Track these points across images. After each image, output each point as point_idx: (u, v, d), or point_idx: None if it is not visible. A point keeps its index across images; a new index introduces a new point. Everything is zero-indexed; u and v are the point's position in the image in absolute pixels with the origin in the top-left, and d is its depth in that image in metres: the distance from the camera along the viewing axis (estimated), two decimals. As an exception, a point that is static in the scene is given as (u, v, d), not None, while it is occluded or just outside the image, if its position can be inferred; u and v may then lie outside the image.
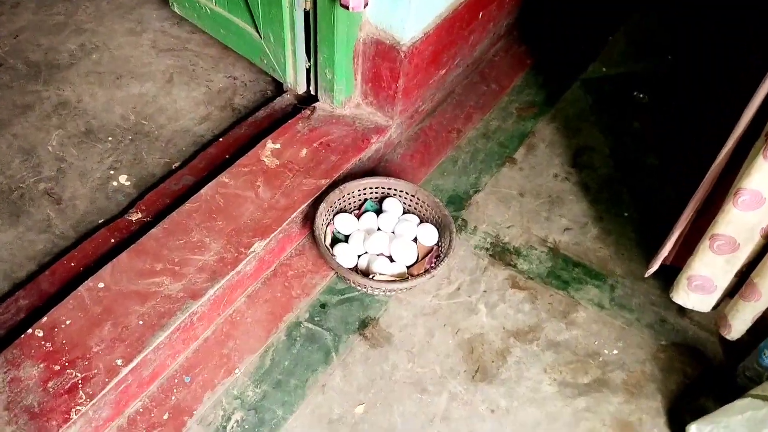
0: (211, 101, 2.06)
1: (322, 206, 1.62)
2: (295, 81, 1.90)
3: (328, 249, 1.59)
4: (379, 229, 1.70)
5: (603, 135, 2.10)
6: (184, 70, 2.14)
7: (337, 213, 1.70)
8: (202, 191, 1.65)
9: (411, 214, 1.74)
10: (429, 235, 1.67)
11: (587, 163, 2.01)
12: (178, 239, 1.55)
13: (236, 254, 1.53)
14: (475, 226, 1.81)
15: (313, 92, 1.93)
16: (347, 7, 1.53)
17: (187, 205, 1.62)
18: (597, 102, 2.21)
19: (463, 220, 1.82)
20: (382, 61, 1.75)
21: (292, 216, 1.62)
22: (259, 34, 1.86)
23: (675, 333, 1.63)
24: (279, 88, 2.09)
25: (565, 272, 1.73)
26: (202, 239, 1.55)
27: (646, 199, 1.91)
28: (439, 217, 1.68)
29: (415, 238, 1.68)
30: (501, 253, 1.75)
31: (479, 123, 2.10)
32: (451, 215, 1.66)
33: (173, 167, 1.86)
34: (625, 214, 1.88)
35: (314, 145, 1.79)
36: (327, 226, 1.66)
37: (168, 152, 1.91)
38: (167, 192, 1.74)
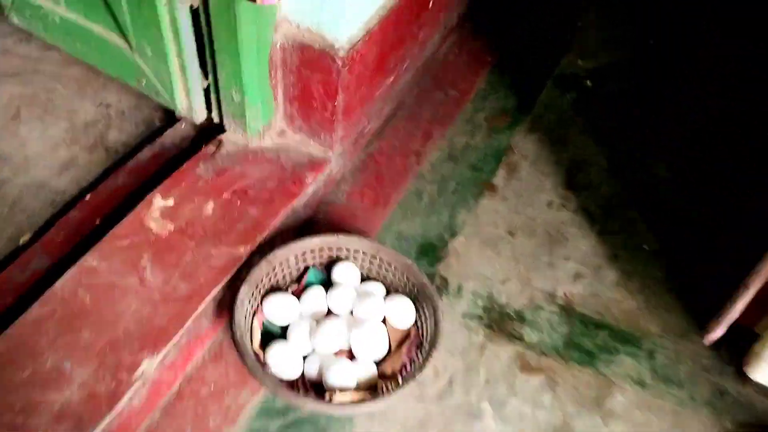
0: (74, 140, 1.49)
1: (244, 289, 1.09)
2: (190, 107, 1.36)
3: (257, 358, 1.06)
4: (330, 312, 1.19)
5: (595, 143, 1.67)
6: (35, 101, 1.56)
7: (267, 293, 1.17)
8: (57, 285, 1.09)
9: (373, 282, 1.23)
10: (402, 313, 1.17)
11: (584, 183, 1.57)
12: (19, 370, 0.98)
13: (114, 384, 0.99)
14: (459, 285, 1.32)
15: (217, 120, 1.39)
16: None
17: (34, 311, 1.05)
18: (579, 102, 1.78)
19: (441, 277, 1.33)
20: (310, 72, 1.24)
21: (199, 309, 1.09)
22: (131, 46, 1.31)
23: (739, 408, 1.21)
24: (171, 113, 1.54)
25: (587, 339, 1.27)
26: (58, 365, 0.99)
27: (665, 222, 1.49)
28: (413, 284, 1.18)
29: (384, 318, 1.18)
30: (499, 321, 1.28)
31: (442, 141, 1.63)
32: (429, 281, 1.17)
33: (20, 243, 1.28)
34: (645, 247, 1.44)
35: (224, 195, 1.26)
36: (253, 317, 1.14)
37: (12, 220, 1.32)
38: (7, 286, 1.16)
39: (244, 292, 1.09)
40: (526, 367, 1.21)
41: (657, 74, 1.88)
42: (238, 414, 1.10)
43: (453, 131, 1.66)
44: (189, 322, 1.07)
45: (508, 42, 1.94)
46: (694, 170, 1.61)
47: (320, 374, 1.08)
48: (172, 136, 1.45)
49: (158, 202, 1.22)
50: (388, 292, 1.22)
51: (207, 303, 1.10)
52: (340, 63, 1.19)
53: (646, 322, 1.31)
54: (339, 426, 1.10)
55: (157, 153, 1.41)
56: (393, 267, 1.20)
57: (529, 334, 1.26)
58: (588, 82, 1.85)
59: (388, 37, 1.35)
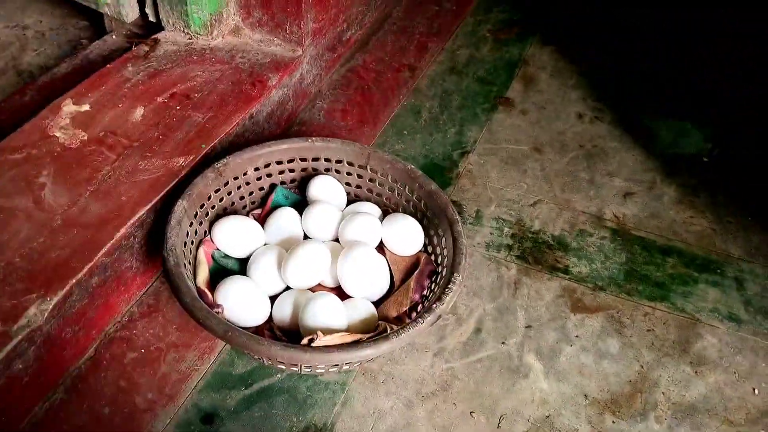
0: (-23, 65, 1.17)
1: (181, 204, 0.77)
2: (116, 1, 1.04)
3: (202, 297, 0.73)
4: (306, 237, 0.86)
5: (626, 49, 1.37)
6: (-73, 22, 1.23)
7: (218, 218, 0.85)
8: None
9: (364, 203, 0.91)
10: (406, 234, 0.85)
11: (619, 92, 1.27)
12: None
13: (-16, 339, 0.65)
14: (477, 211, 1.01)
15: (153, 18, 1.08)
16: None
17: None
18: (599, 11, 1.48)
19: (453, 202, 1.01)
20: (266, -73, 0.93)
21: (117, 236, 0.76)
22: None
23: None
24: (100, 32, 1.23)
25: (653, 268, 0.95)
26: None
27: (723, 126, 1.19)
28: (418, 196, 0.86)
29: (380, 244, 0.86)
30: (536, 251, 0.96)
31: (440, 54, 1.32)
32: (439, 188, 0.85)
33: None
34: (705, 159, 1.14)
35: (159, 99, 0.94)
36: (198, 247, 0.81)
37: None
38: None
39: (182, 209, 0.76)
40: (580, 306, 0.89)
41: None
42: (181, 387, 0.77)
43: (453, 45, 1.35)
44: (100, 256, 0.74)
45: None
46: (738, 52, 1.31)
47: (295, 318, 0.76)
48: (99, 48, 1.13)
49: (68, 108, 0.90)
50: (385, 214, 0.90)
51: (130, 230, 0.77)
52: None
53: (724, 243, 1.00)
54: (327, 394, 0.77)
55: (78, 67, 1.09)
56: (390, 178, 0.88)
57: (577, 265, 0.95)
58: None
59: None
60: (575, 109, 1.22)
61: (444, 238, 0.81)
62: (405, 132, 1.13)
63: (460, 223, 0.80)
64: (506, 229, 0.98)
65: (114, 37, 1.15)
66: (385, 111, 1.17)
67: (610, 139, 1.16)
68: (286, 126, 1.10)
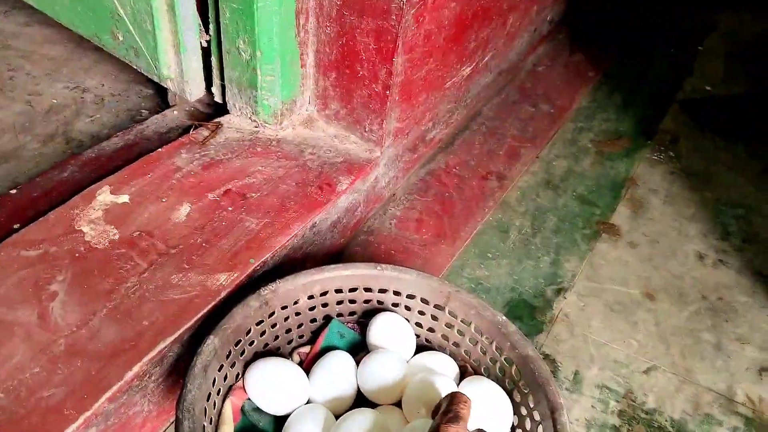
0: (29, 127, 1.07)
1: (211, 343, 0.61)
2: (181, 76, 0.93)
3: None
4: (361, 397, 0.68)
5: (749, 182, 1.17)
6: (-10, 78, 1.16)
7: (256, 358, 0.68)
8: None
9: (437, 354, 0.73)
10: (490, 409, 0.65)
11: (747, 232, 1.06)
12: None
13: None
14: (575, 372, 0.81)
15: (220, 99, 0.96)
16: None
17: None
18: (716, 132, 1.29)
19: (545, 356, 0.82)
20: (358, 16, 0.80)
21: (129, 375, 0.60)
22: (106, -20, 0.90)
23: None
24: (164, 104, 1.13)
25: (807, 483, 0.72)
26: None
27: None
28: (509, 359, 0.67)
29: (456, 418, 0.66)
30: (648, 439, 0.75)
31: (534, 164, 1.15)
32: (539, 355, 0.66)
33: None
34: None
35: (210, 196, 0.80)
36: (226, 396, 0.64)
37: None
38: None
39: (211, 350, 0.60)
40: None
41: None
42: None
43: (549, 154, 1.19)
44: (103, 401, 0.58)
45: (613, 57, 1.50)
46: None
47: None
48: (157, 123, 1.02)
49: (104, 197, 0.77)
50: (463, 374, 0.71)
51: (146, 368, 0.62)
52: (403, 4, 0.75)
53: None
54: None
55: (131, 143, 0.98)
56: (473, 328, 0.70)
57: (704, 467, 0.73)
58: (722, 111, 1.38)
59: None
60: (695, 248, 1.02)
61: (541, 426, 0.61)
62: (489, 255, 0.96)
63: (565, 411, 0.60)
64: (612, 403, 0.78)
65: (175, 113, 1.04)
66: (467, 225, 1.00)
67: (739, 292, 0.95)
68: (351, 235, 0.94)
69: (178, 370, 0.67)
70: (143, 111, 1.14)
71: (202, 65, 0.93)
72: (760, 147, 1.26)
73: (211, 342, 0.61)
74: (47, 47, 1.26)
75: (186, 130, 0.97)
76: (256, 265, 0.72)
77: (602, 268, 0.96)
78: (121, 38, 0.95)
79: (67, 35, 1.28)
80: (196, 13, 0.87)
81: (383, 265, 0.72)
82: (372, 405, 0.67)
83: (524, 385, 0.65)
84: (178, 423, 0.55)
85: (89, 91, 1.17)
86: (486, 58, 1.15)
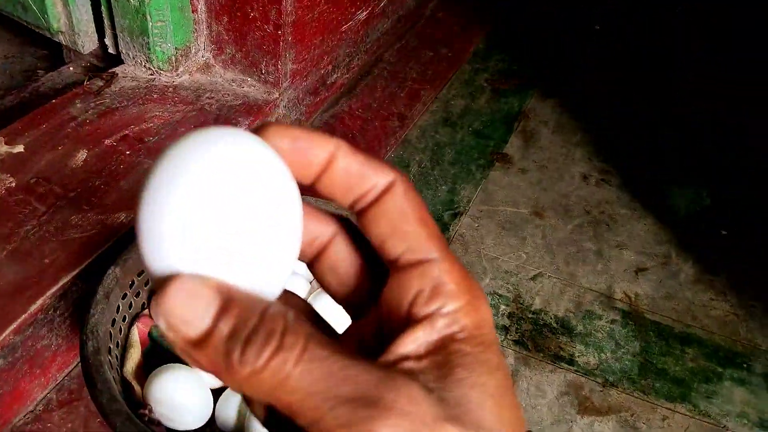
0: None
1: (113, 273, 0.63)
2: (71, 26, 0.92)
3: (128, 391, 0.59)
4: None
5: (632, 107, 1.27)
6: None
7: (163, 287, 0.71)
8: None
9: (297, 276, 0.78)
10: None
11: (629, 153, 1.16)
12: None
13: None
14: (469, 284, 0.88)
15: (113, 50, 0.96)
16: None
17: None
18: (605, 64, 1.39)
19: (442, 273, 0.88)
20: (243, -45, 0.82)
21: (32, 308, 0.62)
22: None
23: None
24: (60, 63, 1.11)
25: (671, 360, 0.82)
26: None
27: (747, 197, 1.08)
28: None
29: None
30: (536, 335, 0.83)
31: (433, 104, 1.21)
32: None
33: None
34: (724, 233, 1.02)
35: (107, 141, 0.81)
36: (132, 323, 0.67)
37: None
38: None
39: (113, 279, 0.63)
40: (588, 407, 0.76)
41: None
42: (100, 496, 0.62)
43: (448, 94, 1.24)
44: (8, 333, 0.60)
45: (510, 3, 1.57)
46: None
47: (243, 421, 0.61)
48: (52, 80, 1.01)
49: (-3, 148, 0.77)
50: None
51: (49, 301, 0.64)
52: (286, -62, 0.78)
53: (750, 333, 0.87)
54: None
55: (26, 100, 0.97)
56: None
57: (584, 354, 0.81)
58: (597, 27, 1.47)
59: (360, -67, 0.95)
60: (580, 170, 1.11)
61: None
62: (391, 188, 1.01)
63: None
64: (503, 307, 0.85)
65: (71, 69, 1.03)
66: (370, 163, 1.04)
67: (619, 205, 1.05)
68: (256, 176, 0.97)
69: (84, 306, 0.69)
70: (39, 71, 1.12)
71: (92, 16, 0.93)
72: (642, 73, 1.36)
73: (112, 271, 0.63)
74: (-71, 11, 1.21)
75: (82, 85, 0.96)
76: (158, 202, 0.75)
77: (495, 193, 1.03)
78: (3, -8, 0.93)
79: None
80: (80, -39, 0.87)
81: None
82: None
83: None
84: (81, 345, 0.58)
85: (-21, 54, 1.14)
86: (382, 3, 1.19)
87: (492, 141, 1.14)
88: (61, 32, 0.94)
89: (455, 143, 1.12)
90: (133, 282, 0.66)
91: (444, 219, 0.97)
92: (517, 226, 0.97)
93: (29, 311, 0.61)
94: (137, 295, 0.67)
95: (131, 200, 0.74)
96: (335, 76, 1.11)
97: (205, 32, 0.93)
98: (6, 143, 0.78)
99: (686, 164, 1.14)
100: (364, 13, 1.12)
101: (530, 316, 0.85)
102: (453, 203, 1.00)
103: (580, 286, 0.90)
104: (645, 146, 1.18)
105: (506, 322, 0.83)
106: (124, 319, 0.65)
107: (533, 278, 0.90)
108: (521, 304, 0.86)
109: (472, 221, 0.97)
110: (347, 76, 1.17)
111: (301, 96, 1.02)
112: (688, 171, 1.12)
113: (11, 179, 0.74)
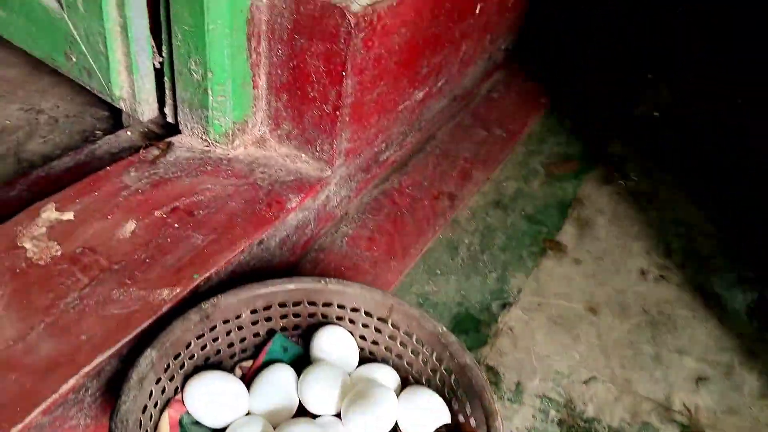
0: (-21, 148, 1.07)
1: (149, 356, 0.61)
2: (133, 96, 0.94)
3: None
4: (302, 410, 0.69)
5: (693, 203, 1.22)
6: (-58, 99, 1.16)
7: (197, 371, 0.68)
8: None
9: (379, 365, 0.74)
10: (428, 417, 0.66)
11: (689, 250, 1.10)
12: None
13: None
14: (518, 383, 0.82)
15: (172, 119, 0.97)
16: None
17: None
18: (662, 155, 1.35)
19: (489, 368, 0.84)
20: (308, 39, 0.83)
21: (64, 388, 0.60)
22: (60, 2, 0.92)
23: None
24: (117, 126, 1.14)
25: (739, 488, 0.75)
26: None
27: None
28: (448, 369, 0.69)
29: (395, 427, 0.68)
30: (588, 448, 0.77)
31: (485, 185, 1.19)
32: (477, 365, 0.67)
33: None
34: (795, 343, 0.95)
35: (157, 213, 0.81)
36: (164, 409, 0.64)
37: None
38: None
39: (148, 363, 0.60)
40: None
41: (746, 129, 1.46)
42: None
43: (500, 175, 1.22)
44: (36, 414, 0.57)
45: (564, 86, 1.56)
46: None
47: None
48: (109, 144, 1.03)
49: (48, 214, 0.77)
50: (404, 383, 0.73)
51: (81, 381, 0.62)
52: (352, 22, 0.78)
53: (829, 465, 0.79)
54: None
55: (81, 163, 0.98)
56: (415, 339, 0.72)
57: (641, 474, 0.75)
58: (668, 135, 1.43)
59: (422, 20, 0.96)
60: (638, 264, 1.05)
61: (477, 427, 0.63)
62: (438, 271, 0.98)
63: (499, 418, 0.62)
64: (552, 413, 0.79)
65: (128, 133, 1.05)
66: (418, 243, 1.02)
67: (679, 306, 0.98)
68: (301, 253, 0.95)
69: (117, 386, 0.66)
70: (97, 132, 1.14)
71: (154, 86, 0.95)
72: (702, 169, 1.31)
73: (149, 354, 0.61)
74: (3, 69, 1.27)
75: (138, 151, 0.97)
76: (200, 280, 0.73)
77: (547, 283, 0.98)
78: (74, 59, 0.96)
79: (24, 58, 1.29)
80: (149, 34, 0.89)
81: (328, 279, 0.74)
82: (313, 417, 0.67)
83: (462, 393, 0.67)
84: (111, 434, 0.55)
85: (44, 113, 1.17)
86: (439, 84, 1.19)
87: (545, 227, 1.10)
88: (123, 99, 0.96)
89: (506, 227, 1.08)
90: (168, 365, 0.64)
91: (492, 309, 0.92)
92: (570, 322, 0.92)
93: (60, 392, 0.59)
94: (171, 378, 0.65)
95: (174, 276, 0.72)
96: (388, 153, 1.11)
97: (263, 108, 0.93)
98: (57, 209, 0.78)
99: (753, 262, 1.07)
100: (421, 93, 1.12)
101: (582, 424, 0.79)
102: (502, 292, 0.95)
103: (636, 394, 0.84)
104: (708, 240, 1.12)
105: (556, 430, 0.77)
106: (155, 405, 0.62)
107: (586, 382, 0.84)
108: (573, 410, 0.80)
109: (523, 314, 0.92)
110: (399, 153, 1.16)
111: (353, 173, 1.01)
112: (755, 270, 1.06)
113: (57, 247, 0.73)
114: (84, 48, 0.92)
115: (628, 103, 1.53)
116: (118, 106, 0.97)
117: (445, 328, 0.70)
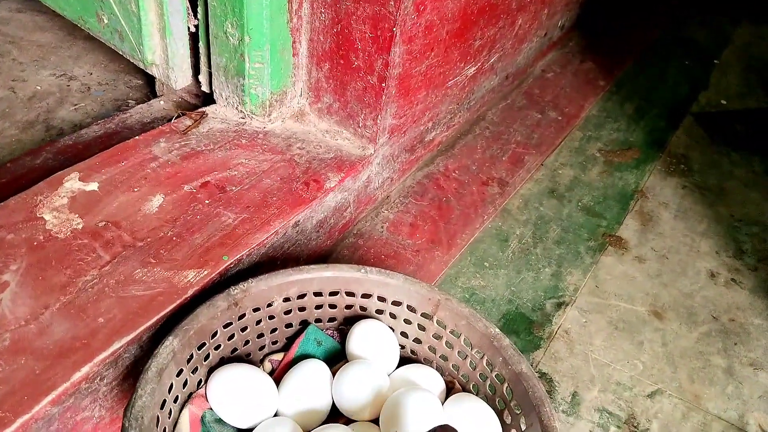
0: (9, 113, 1.03)
1: (170, 344, 0.55)
2: (166, 62, 0.88)
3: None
4: (335, 413, 0.62)
5: (766, 199, 1.11)
6: (-26, 62, 1.12)
7: (221, 364, 0.62)
8: None
9: (422, 368, 0.66)
10: (477, 429, 0.59)
11: (762, 251, 1.00)
12: None
13: None
14: (573, 393, 0.74)
15: (206, 88, 0.91)
16: None
17: None
18: (731, 146, 1.23)
19: (541, 374, 0.76)
20: (355, 2, 0.75)
21: (78, 376, 0.54)
22: (92, -41, 0.86)
23: None
24: (151, 95, 1.08)
25: None
26: None
27: None
28: (500, 377, 0.61)
29: (439, 439, 0.60)
30: (652, 471, 0.68)
31: (538, 171, 1.10)
32: (534, 373, 0.59)
33: None
34: None
35: (186, 187, 0.74)
36: (185, 404, 0.58)
37: None
38: None
39: (168, 352, 0.54)
40: None
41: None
42: None
43: (555, 162, 1.13)
44: (44, 405, 0.52)
45: (626, 68, 1.45)
46: None
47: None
48: (141, 113, 0.97)
49: (71, 183, 0.72)
50: (449, 390, 0.65)
51: (97, 369, 0.56)
52: (404, -14, 0.70)
53: None
54: None
55: (111, 132, 0.93)
56: (463, 340, 0.64)
57: (713, 504, 0.66)
58: (738, 126, 1.32)
59: (480, -14, 0.87)
60: (706, 265, 0.95)
61: (533, 453, 0.55)
62: (486, 264, 0.90)
63: (560, 437, 0.54)
64: (612, 429, 0.71)
65: (161, 102, 0.99)
66: (464, 232, 0.94)
67: (753, 314, 0.89)
68: (339, 237, 0.88)
69: (135, 374, 0.61)
70: (130, 101, 1.09)
71: (189, 51, 0.88)
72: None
73: (170, 344, 0.55)
74: (37, 34, 1.22)
75: (170, 121, 0.91)
76: (230, 262, 0.67)
77: (607, 282, 0.89)
78: (106, 21, 0.90)
79: (60, 23, 1.24)
80: (184, -4, 0.82)
81: (368, 268, 0.66)
82: (347, 421, 0.61)
83: (516, 405, 0.59)
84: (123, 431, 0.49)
85: (76, 80, 1.12)
86: (492, 59, 1.10)
87: (604, 221, 1.00)
88: (155, 65, 0.90)
89: (562, 219, 0.99)
90: (191, 356, 0.57)
91: (545, 308, 0.84)
92: (632, 327, 0.83)
93: (72, 380, 0.54)
94: (194, 371, 0.59)
95: (202, 257, 0.66)
96: (434, 133, 1.02)
97: (303, 78, 0.86)
98: (81, 179, 0.72)
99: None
100: (473, 69, 1.03)
101: (646, 444, 0.70)
102: (557, 290, 0.87)
103: (706, 412, 0.75)
104: (785, 244, 1.01)
105: (617, 448, 0.69)
106: (176, 400, 0.56)
107: (651, 395, 0.75)
108: (635, 426, 0.72)
109: (580, 315, 0.84)
110: (446, 133, 1.07)
111: (396, 153, 0.93)
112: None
113: (78, 220, 0.68)
114: (116, 8, 0.86)
115: (694, 89, 1.42)
116: (150, 73, 0.91)
117: (498, 330, 0.62)
